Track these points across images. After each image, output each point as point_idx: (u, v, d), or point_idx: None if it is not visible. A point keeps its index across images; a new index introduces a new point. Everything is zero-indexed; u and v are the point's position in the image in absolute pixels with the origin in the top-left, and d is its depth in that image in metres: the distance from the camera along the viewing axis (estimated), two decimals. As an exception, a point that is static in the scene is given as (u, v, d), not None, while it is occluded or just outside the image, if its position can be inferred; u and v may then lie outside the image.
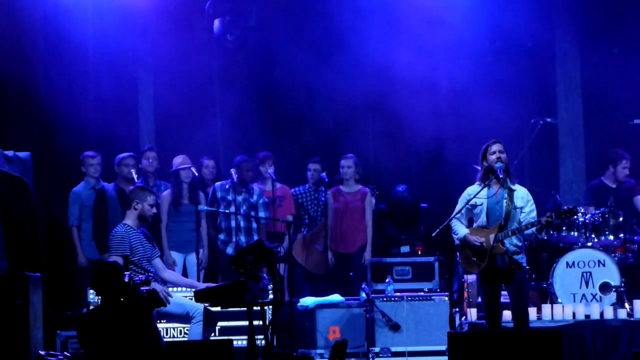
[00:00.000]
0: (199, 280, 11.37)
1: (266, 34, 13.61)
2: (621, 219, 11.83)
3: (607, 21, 13.35)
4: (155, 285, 9.77)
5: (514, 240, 9.49)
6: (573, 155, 13.67)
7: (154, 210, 10.18)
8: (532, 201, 9.59)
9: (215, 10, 13.32)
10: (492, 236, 9.43)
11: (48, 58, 12.64)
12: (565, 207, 9.74)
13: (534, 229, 9.39)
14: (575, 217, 11.57)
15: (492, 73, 13.32)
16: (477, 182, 9.66)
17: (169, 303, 9.76)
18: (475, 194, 9.52)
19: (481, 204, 9.55)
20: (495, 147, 9.54)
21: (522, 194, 9.57)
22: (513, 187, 9.57)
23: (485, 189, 9.53)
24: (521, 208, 9.52)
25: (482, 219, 9.56)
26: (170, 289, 10.12)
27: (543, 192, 12.28)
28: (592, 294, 11.41)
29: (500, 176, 9.50)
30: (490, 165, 9.53)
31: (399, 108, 13.49)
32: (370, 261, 12.34)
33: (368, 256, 12.33)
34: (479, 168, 9.71)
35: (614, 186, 12.27)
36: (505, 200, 9.50)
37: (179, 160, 12.16)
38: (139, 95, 13.88)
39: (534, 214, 9.53)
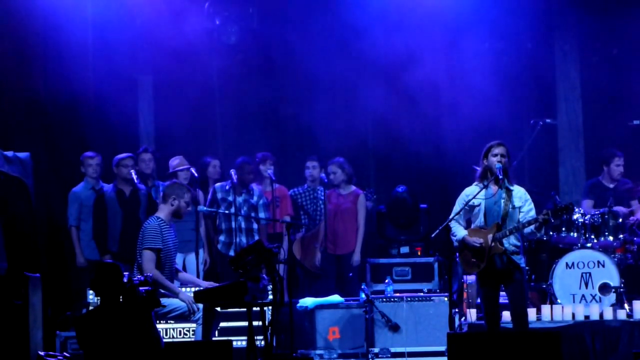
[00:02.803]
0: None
1: (266, 34, 13.62)
2: (620, 219, 11.83)
3: (607, 22, 13.35)
4: (184, 295, 9.81)
5: (513, 240, 9.49)
6: (572, 156, 13.68)
7: (189, 208, 10.21)
8: (530, 200, 9.60)
9: (214, 11, 13.33)
10: (490, 236, 9.44)
11: (48, 58, 12.63)
12: (561, 204, 9.76)
13: (532, 227, 9.39)
14: (573, 215, 11.60)
15: (492, 73, 13.31)
16: (475, 183, 9.67)
17: (193, 314, 9.81)
18: (474, 195, 9.53)
19: (479, 205, 9.55)
20: (498, 150, 9.53)
21: (520, 194, 9.58)
22: (511, 187, 9.58)
23: (484, 190, 9.54)
24: (519, 208, 9.53)
25: (480, 220, 9.57)
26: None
27: (542, 193, 12.28)
28: (591, 294, 11.41)
29: (500, 177, 9.50)
30: (490, 166, 9.54)
31: (399, 108, 13.49)
32: (359, 263, 12.34)
33: (357, 258, 12.34)
34: (478, 168, 9.72)
35: (611, 186, 12.27)
36: (503, 200, 9.50)
37: (175, 162, 12.17)
38: (139, 96, 13.88)
39: (533, 212, 9.53)
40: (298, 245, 12.48)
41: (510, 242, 9.48)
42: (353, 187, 12.52)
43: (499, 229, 9.45)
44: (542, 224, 9.41)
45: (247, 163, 12.14)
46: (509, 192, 9.54)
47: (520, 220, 9.47)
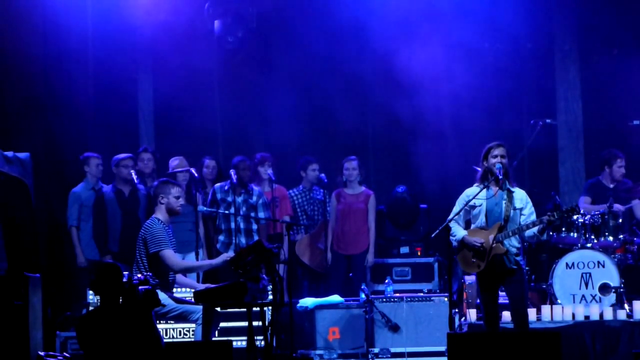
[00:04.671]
0: (198, 281, 11.36)
1: (266, 34, 13.63)
2: (620, 220, 11.83)
3: (607, 22, 13.36)
4: (219, 260, 9.97)
5: (513, 241, 9.49)
6: (572, 156, 13.68)
7: (181, 201, 10.18)
8: (531, 203, 9.60)
9: (214, 11, 13.34)
10: (491, 237, 9.44)
11: (48, 58, 12.63)
12: (565, 206, 9.75)
13: (535, 229, 9.38)
14: (576, 217, 11.59)
15: (492, 74, 13.31)
16: (476, 184, 9.67)
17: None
18: (475, 195, 9.53)
19: (480, 205, 9.56)
20: (497, 151, 9.53)
21: (520, 196, 9.59)
22: (512, 189, 9.58)
23: (484, 190, 9.54)
24: (520, 209, 9.52)
25: (480, 220, 9.57)
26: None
27: (543, 193, 12.29)
28: (591, 294, 11.41)
29: (500, 177, 9.51)
30: (490, 167, 9.54)
31: (399, 108, 13.49)
32: (373, 263, 12.36)
33: (371, 258, 12.36)
34: (479, 169, 9.72)
35: (611, 186, 12.28)
36: (504, 202, 9.50)
37: (175, 163, 12.16)
38: (139, 95, 13.88)
39: (534, 216, 9.54)
40: (302, 244, 12.47)
41: (511, 242, 9.48)
42: (363, 188, 12.52)
43: (501, 230, 9.45)
44: (547, 226, 9.39)
45: (243, 160, 12.14)
46: (510, 194, 9.54)
47: (522, 222, 9.47)
